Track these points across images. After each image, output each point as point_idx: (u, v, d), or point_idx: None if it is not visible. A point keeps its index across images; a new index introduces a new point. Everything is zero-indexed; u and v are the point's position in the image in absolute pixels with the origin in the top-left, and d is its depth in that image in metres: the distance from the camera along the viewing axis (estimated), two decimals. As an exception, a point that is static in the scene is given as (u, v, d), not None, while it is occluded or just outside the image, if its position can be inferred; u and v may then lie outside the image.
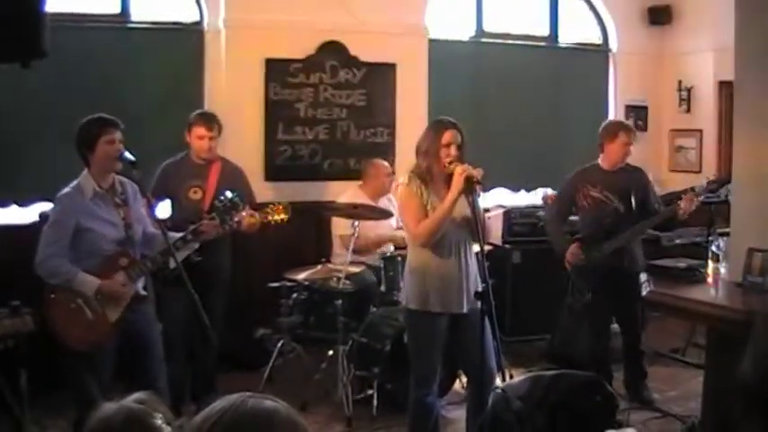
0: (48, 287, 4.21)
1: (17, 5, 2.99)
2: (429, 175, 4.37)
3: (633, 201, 5.57)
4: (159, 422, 1.76)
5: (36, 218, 5.87)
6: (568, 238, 5.72)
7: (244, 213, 4.76)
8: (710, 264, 4.89)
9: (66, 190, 4.28)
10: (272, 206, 5.08)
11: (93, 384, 4.14)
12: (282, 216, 5.06)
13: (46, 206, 5.73)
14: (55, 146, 5.59)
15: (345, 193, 6.54)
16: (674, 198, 5.85)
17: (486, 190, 5.40)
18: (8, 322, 5.13)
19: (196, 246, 4.59)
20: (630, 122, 5.91)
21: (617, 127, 5.68)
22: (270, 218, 5.04)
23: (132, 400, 1.80)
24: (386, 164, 6.68)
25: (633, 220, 5.56)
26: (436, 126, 4.45)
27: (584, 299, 5.77)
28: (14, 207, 6.25)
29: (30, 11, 3.04)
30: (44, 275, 4.19)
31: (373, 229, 6.30)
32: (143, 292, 4.44)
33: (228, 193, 4.64)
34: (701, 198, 5.53)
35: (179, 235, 4.47)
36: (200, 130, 5.41)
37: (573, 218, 5.93)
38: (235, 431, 1.45)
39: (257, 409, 1.49)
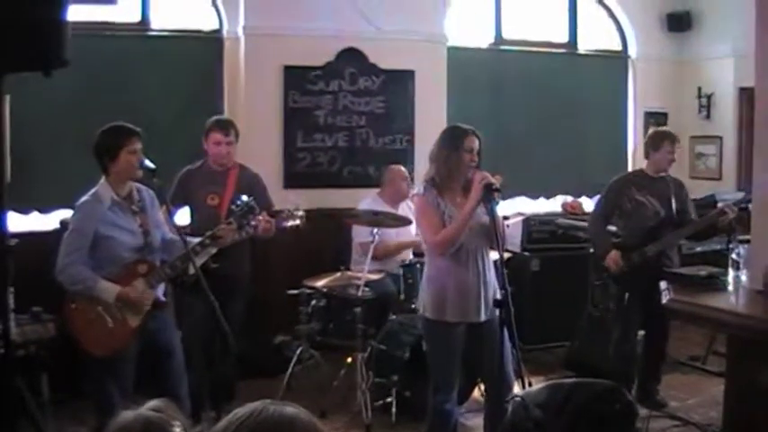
0: (68, 295, 4.23)
1: (38, 15, 3.02)
2: (448, 181, 4.35)
3: (674, 207, 5.70)
4: (178, 430, 1.76)
5: (57, 225, 5.90)
6: (610, 242, 5.80)
7: (260, 218, 4.77)
8: (731, 271, 4.85)
9: (85, 198, 4.30)
10: (287, 211, 5.08)
11: (114, 391, 4.15)
12: (297, 222, 5.05)
13: (66, 213, 5.76)
14: (76, 153, 5.60)
15: (364, 200, 6.55)
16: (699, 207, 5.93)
17: (505, 198, 5.38)
18: (30, 329, 5.19)
19: (214, 251, 4.59)
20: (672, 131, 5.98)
21: (662, 137, 5.86)
22: (284, 224, 5.04)
23: (149, 407, 1.78)
24: (402, 168, 6.70)
25: (674, 225, 5.69)
26: (456, 132, 4.41)
27: (611, 305, 5.80)
28: (35, 214, 6.29)
29: (51, 20, 3.07)
30: (65, 283, 4.21)
31: (393, 236, 6.30)
32: (163, 299, 4.46)
33: (244, 198, 4.66)
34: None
35: (197, 240, 4.50)
36: (216, 136, 5.43)
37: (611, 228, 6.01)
38: None
39: (279, 416, 1.49)
